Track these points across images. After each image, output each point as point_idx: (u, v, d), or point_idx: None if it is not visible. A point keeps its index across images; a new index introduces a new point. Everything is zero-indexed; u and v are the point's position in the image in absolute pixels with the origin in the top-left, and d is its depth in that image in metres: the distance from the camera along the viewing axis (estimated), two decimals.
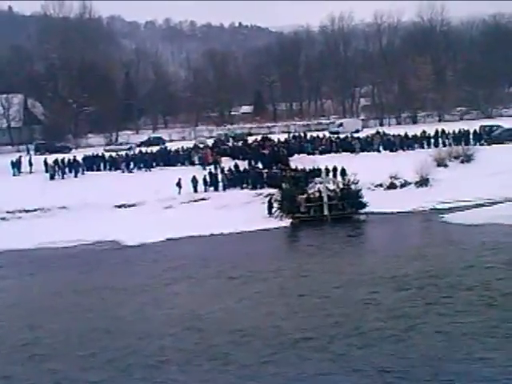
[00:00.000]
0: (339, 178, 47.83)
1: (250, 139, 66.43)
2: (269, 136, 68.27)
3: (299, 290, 27.55)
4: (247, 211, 45.27)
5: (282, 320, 23.84)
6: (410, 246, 35.22)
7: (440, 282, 27.12)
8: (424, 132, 61.32)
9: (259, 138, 65.19)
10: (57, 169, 55.54)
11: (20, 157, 60.42)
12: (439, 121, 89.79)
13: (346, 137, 63.50)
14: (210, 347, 21.71)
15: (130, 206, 48.18)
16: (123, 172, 56.46)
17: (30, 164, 57.53)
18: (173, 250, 37.94)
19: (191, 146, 64.12)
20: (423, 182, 49.07)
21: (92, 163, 57.81)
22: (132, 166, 57.40)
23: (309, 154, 57.84)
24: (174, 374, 19.93)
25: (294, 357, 20.40)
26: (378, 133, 63.99)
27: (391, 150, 58.73)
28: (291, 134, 70.68)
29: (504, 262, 29.32)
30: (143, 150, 64.16)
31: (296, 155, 56.47)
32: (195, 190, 49.65)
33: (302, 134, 68.63)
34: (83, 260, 36.97)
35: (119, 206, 48.09)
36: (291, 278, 30.05)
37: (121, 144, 79.30)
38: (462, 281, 27.03)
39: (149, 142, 75.50)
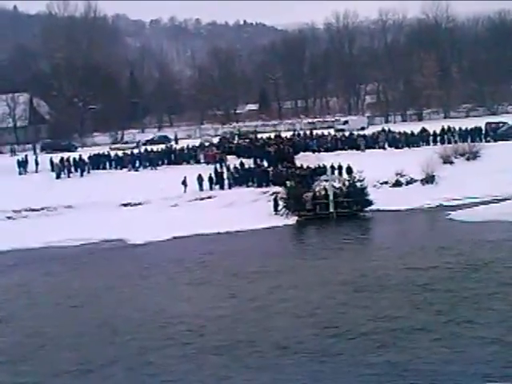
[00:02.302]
0: (345, 175, 47.75)
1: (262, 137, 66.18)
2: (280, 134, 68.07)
3: (255, 293, 27.30)
4: (253, 209, 45.29)
5: (208, 324, 23.74)
6: (413, 244, 34.91)
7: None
8: (424, 129, 61.17)
9: (271, 135, 65.00)
10: (63, 168, 55.64)
11: (26, 156, 60.60)
12: (445, 118, 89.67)
13: (352, 134, 63.40)
14: (110, 351, 21.78)
15: (135, 204, 48.23)
16: (129, 171, 56.55)
17: (37, 163, 57.62)
18: (172, 249, 37.98)
19: (197, 144, 64.14)
20: (429, 180, 48.97)
21: (98, 162, 57.89)
22: (138, 164, 57.45)
23: (314, 151, 57.80)
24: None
25: (196, 363, 20.31)
26: (383, 130, 63.94)
27: (397, 148, 58.69)
28: (296, 132, 70.52)
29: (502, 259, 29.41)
30: (149, 148, 64.14)
31: (301, 153, 56.44)
32: (201, 189, 49.66)
33: (308, 132, 68.54)
34: (76, 259, 36.93)
35: (125, 205, 48.15)
36: (260, 278, 29.82)
37: (127, 142, 79.47)
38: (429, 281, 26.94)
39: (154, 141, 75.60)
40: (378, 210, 44.22)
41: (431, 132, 60.81)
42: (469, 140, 58.09)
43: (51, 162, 56.59)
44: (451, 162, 52.64)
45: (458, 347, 19.76)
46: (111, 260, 36.75)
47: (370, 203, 44.48)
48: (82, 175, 55.52)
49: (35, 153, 68.43)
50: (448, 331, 21.15)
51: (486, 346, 19.69)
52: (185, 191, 49.25)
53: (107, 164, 58.07)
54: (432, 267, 28.86)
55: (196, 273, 31.76)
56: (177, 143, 71.37)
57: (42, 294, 30.07)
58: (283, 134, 67.30)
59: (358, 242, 37.12)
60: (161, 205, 47.55)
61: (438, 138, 59.89)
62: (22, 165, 57.75)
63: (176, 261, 34.81)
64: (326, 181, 45.83)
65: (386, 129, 65.46)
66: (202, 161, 56.86)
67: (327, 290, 26.81)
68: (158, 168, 56.87)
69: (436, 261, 30.00)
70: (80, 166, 56.10)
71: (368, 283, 27.36)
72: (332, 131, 70.74)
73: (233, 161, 54.43)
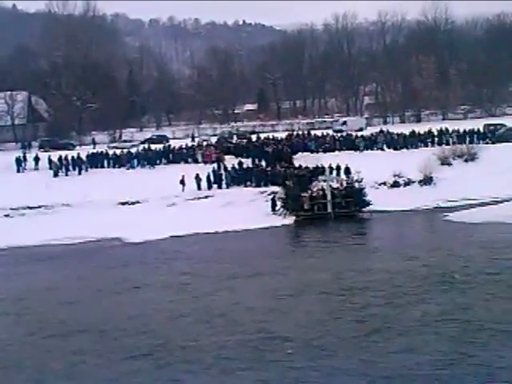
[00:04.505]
0: (343, 176, 47.85)
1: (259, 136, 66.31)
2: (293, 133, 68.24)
3: (209, 296, 27.13)
4: (251, 209, 45.29)
5: (136, 327, 23.74)
6: (402, 247, 34.85)
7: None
8: (413, 132, 61.17)
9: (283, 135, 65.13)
10: (61, 166, 55.56)
11: (24, 153, 60.46)
12: (443, 119, 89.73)
13: (350, 135, 63.43)
14: (30, 355, 21.84)
15: (133, 203, 48.19)
16: (127, 169, 56.47)
17: (36, 161, 57.44)
18: (165, 249, 37.85)
19: (195, 143, 64.11)
20: (427, 181, 49.03)
21: (96, 160, 57.82)
22: (136, 163, 57.39)
23: (312, 152, 57.79)
24: None
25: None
26: (381, 131, 63.95)
27: (395, 149, 58.69)
28: (295, 133, 70.55)
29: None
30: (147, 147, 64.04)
31: (300, 153, 56.47)
32: (199, 188, 49.66)
33: (306, 133, 68.56)
34: (65, 258, 37.00)
35: (122, 204, 48.09)
36: (232, 280, 29.57)
37: (125, 141, 79.40)
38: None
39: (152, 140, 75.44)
40: (376, 211, 44.28)
41: (420, 133, 60.88)
42: (467, 142, 58.16)
43: (49, 160, 56.47)
44: (449, 164, 52.70)
45: (367, 355, 19.75)
46: (99, 259, 36.71)
47: (368, 204, 44.57)
48: (79, 173, 55.45)
49: (27, 151, 67.64)
50: (366, 339, 21.05)
51: (399, 355, 19.63)
52: (183, 190, 49.24)
53: (105, 162, 57.97)
54: (402, 270, 28.86)
55: (169, 275, 31.44)
56: (193, 140, 71.19)
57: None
58: (280, 135, 67.42)
59: (352, 243, 36.80)
60: (159, 204, 47.50)
61: (436, 140, 59.95)
62: (20, 162, 57.61)
63: (160, 261, 34.77)
64: (324, 181, 45.92)
65: (385, 130, 65.50)
66: (200, 160, 56.83)
67: (285, 294, 26.64)
68: (156, 167, 56.82)
69: (410, 264, 29.95)
70: (78, 164, 56.03)
71: (329, 287, 27.21)
72: (330, 132, 70.75)
73: (231, 160, 54.41)
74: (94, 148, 69.39)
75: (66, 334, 23.54)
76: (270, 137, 64.65)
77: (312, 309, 24.50)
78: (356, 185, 45.16)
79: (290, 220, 43.79)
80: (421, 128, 64.11)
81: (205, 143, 64.42)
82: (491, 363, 18.52)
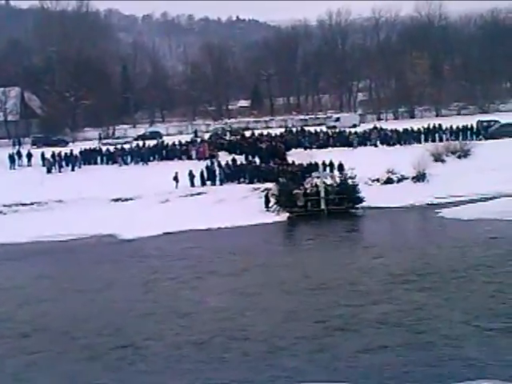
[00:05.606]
0: (336, 172, 47.87)
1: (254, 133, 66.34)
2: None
3: (169, 296, 27.24)
4: (244, 205, 45.27)
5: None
6: (391, 244, 34.86)
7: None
8: (406, 128, 61.18)
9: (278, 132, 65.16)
10: (54, 162, 55.43)
11: (19, 150, 60.30)
12: (436, 116, 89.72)
13: (344, 131, 63.44)
14: None
15: (126, 199, 48.11)
16: (121, 166, 56.38)
17: (29, 158, 57.30)
18: (154, 246, 37.88)
19: (188, 140, 64.04)
20: (420, 177, 49.09)
21: (89, 157, 57.70)
22: (129, 159, 57.29)
23: (306, 148, 57.84)
24: None
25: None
26: (375, 127, 63.99)
27: (388, 145, 58.76)
28: (288, 129, 70.58)
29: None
30: (140, 143, 63.93)
31: (293, 150, 56.47)
32: (192, 185, 49.61)
33: (300, 129, 68.57)
34: (49, 256, 37.06)
35: (116, 200, 48.03)
36: (206, 279, 29.63)
37: (118, 137, 79.20)
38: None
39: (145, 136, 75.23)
40: (369, 207, 44.35)
41: (413, 130, 60.86)
42: (460, 138, 58.26)
43: (42, 156, 56.35)
44: (442, 160, 52.74)
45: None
46: (87, 256, 36.76)
47: (362, 200, 44.61)
48: (73, 170, 55.35)
49: (18, 147, 67.28)
50: (326, 340, 21.03)
51: (359, 355, 19.58)
52: (176, 187, 49.19)
53: (98, 159, 57.86)
54: (376, 268, 28.96)
55: (145, 273, 31.35)
56: (196, 136, 71.05)
57: None
58: (274, 131, 67.41)
59: (340, 241, 36.76)
60: (152, 200, 47.45)
61: (430, 136, 60.01)
62: (13, 159, 57.45)
63: (143, 258, 34.79)
64: (318, 178, 45.91)
65: (378, 126, 65.51)
66: (193, 157, 56.74)
67: (254, 293, 26.67)
68: (150, 163, 56.72)
69: (385, 262, 30.02)
70: (71, 160, 55.91)
71: (298, 286, 27.19)
72: (324, 128, 70.73)
73: (224, 157, 54.39)
74: (99, 143, 69.34)
75: (25, 334, 23.44)
76: (264, 133, 64.57)
77: (277, 308, 24.42)
78: (349, 181, 45.21)
79: (283, 217, 43.82)
80: (414, 124, 64.13)
81: (199, 139, 64.38)
82: (450, 362, 18.49)
